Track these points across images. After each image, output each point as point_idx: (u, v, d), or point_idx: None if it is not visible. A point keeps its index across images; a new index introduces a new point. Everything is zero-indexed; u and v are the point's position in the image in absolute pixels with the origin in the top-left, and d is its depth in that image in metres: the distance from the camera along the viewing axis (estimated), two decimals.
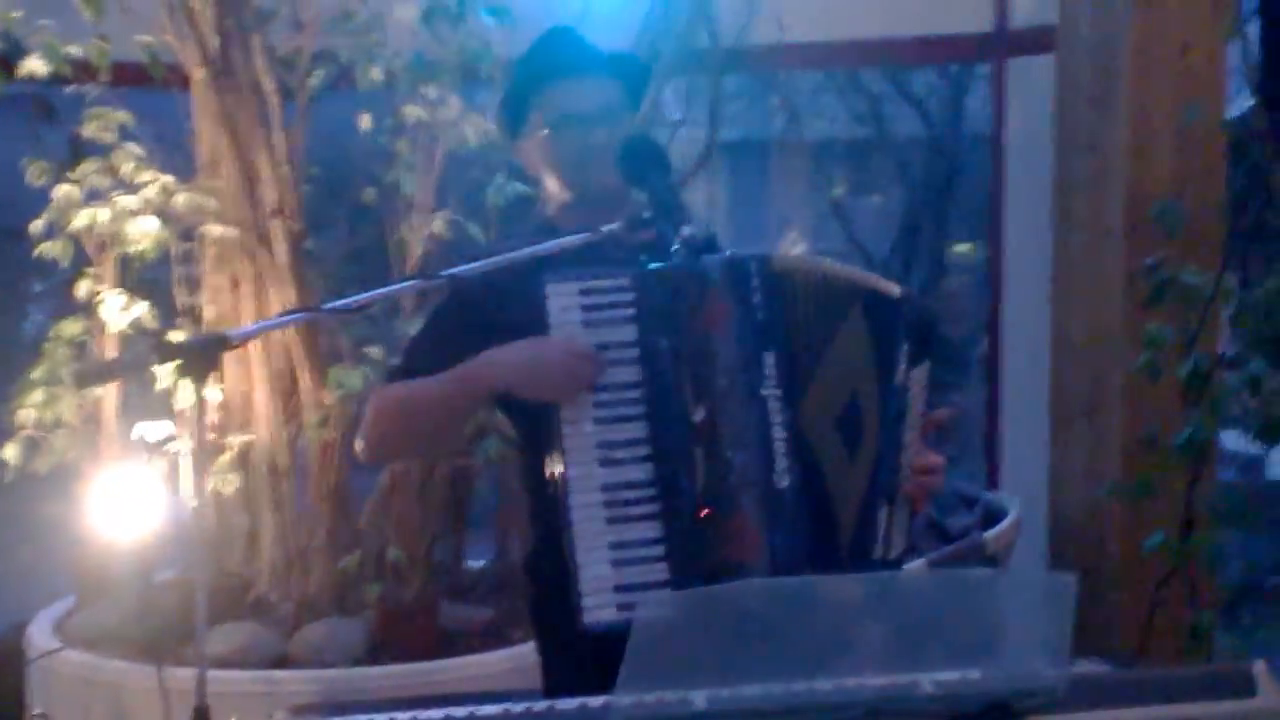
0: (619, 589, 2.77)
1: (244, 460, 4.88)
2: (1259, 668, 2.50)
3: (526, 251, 2.85)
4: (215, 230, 4.72)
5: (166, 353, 2.54)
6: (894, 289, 2.94)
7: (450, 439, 3.43)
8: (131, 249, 4.68)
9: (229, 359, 4.88)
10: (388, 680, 4.48)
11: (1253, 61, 4.87)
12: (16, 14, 4.55)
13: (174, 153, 5.04)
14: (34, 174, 4.87)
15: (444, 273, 2.84)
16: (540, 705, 2.40)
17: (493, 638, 4.85)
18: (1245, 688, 2.46)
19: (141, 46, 4.76)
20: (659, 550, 2.78)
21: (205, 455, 4.83)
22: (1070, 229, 5.27)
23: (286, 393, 4.85)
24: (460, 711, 2.34)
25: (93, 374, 3.08)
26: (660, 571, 2.77)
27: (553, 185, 3.13)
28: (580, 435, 2.80)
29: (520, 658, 4.69)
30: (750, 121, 12.71)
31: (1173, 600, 4.63)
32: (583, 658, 2.76)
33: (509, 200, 4.84)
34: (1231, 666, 2.58)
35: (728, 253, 2.91)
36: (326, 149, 5.26)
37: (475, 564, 5.41)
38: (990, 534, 5.08)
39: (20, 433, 4.90)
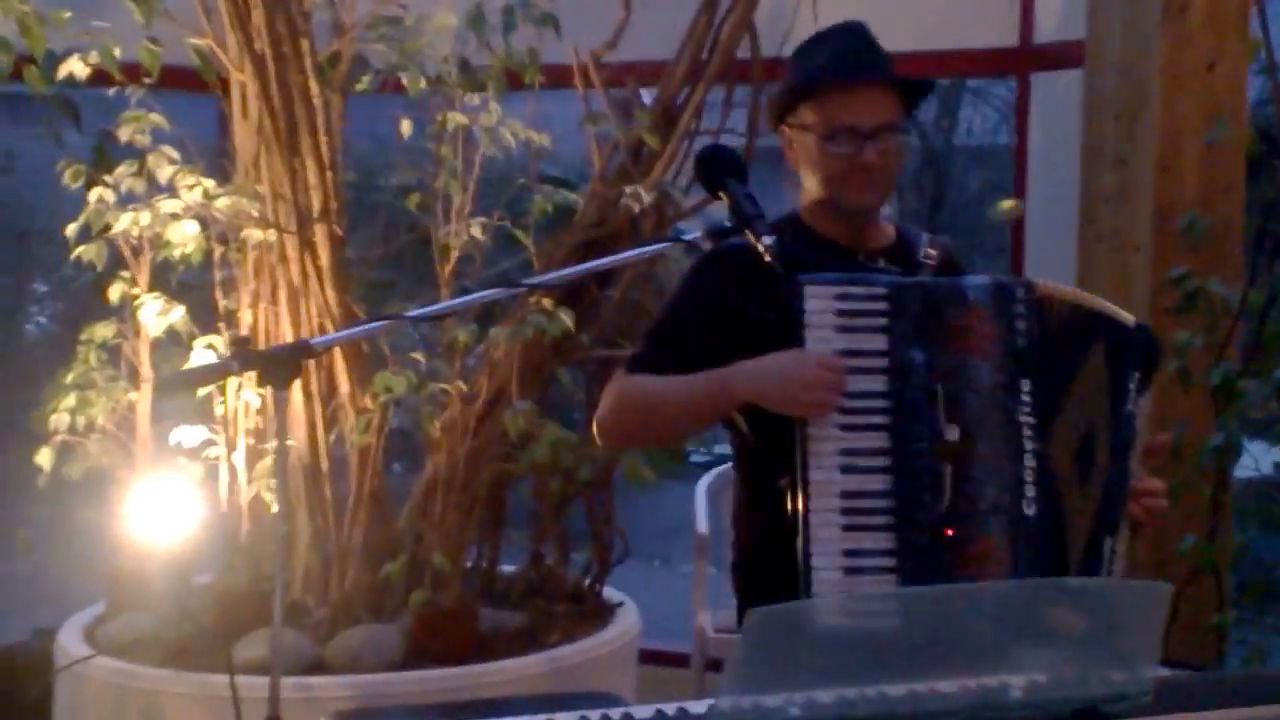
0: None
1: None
2: None
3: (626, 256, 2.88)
4: (256, 235, 4.74)
5: (250, 361, 2.57)
6: (1129, 318, 2.98)
7: (688, 436, 3.44)
8: (176, 253, 4.69)
9: None
10: (425, 685, 4.50)
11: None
12: (66, 13, 4.55)
13: (198, 156, 5.08)
14: (70, 177, 4.87)
15: (530, 281, 2.88)
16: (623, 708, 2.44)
17: (528, 642, 4.88)
18: None
19: (192, 49, 4.77)
20: (890, 562, 2.82)
21: (251, 460, 4.87)
22: (1096, 240, 5.32)
23: (325, 398, 4.88)
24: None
25: (176, 382, 3.09)
26: (889, 584, 2.81)
27: (810, 184, 3.14)
28: (824, 440, 2.83)
29: (556, 661, 4.75)
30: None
31: (1200, 600, 4.70)
32: None
33: (557, 207, 4.88)
34: None
35: (989, 275, 2.94)
36: (352, 153, 5.30)
37: (507, 568, 5.43)
38: None
39: (54, 438, 4.91)
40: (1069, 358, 2.90)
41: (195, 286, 5.16)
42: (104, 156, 5.07)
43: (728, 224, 2.90)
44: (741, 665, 2.15)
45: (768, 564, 3.01)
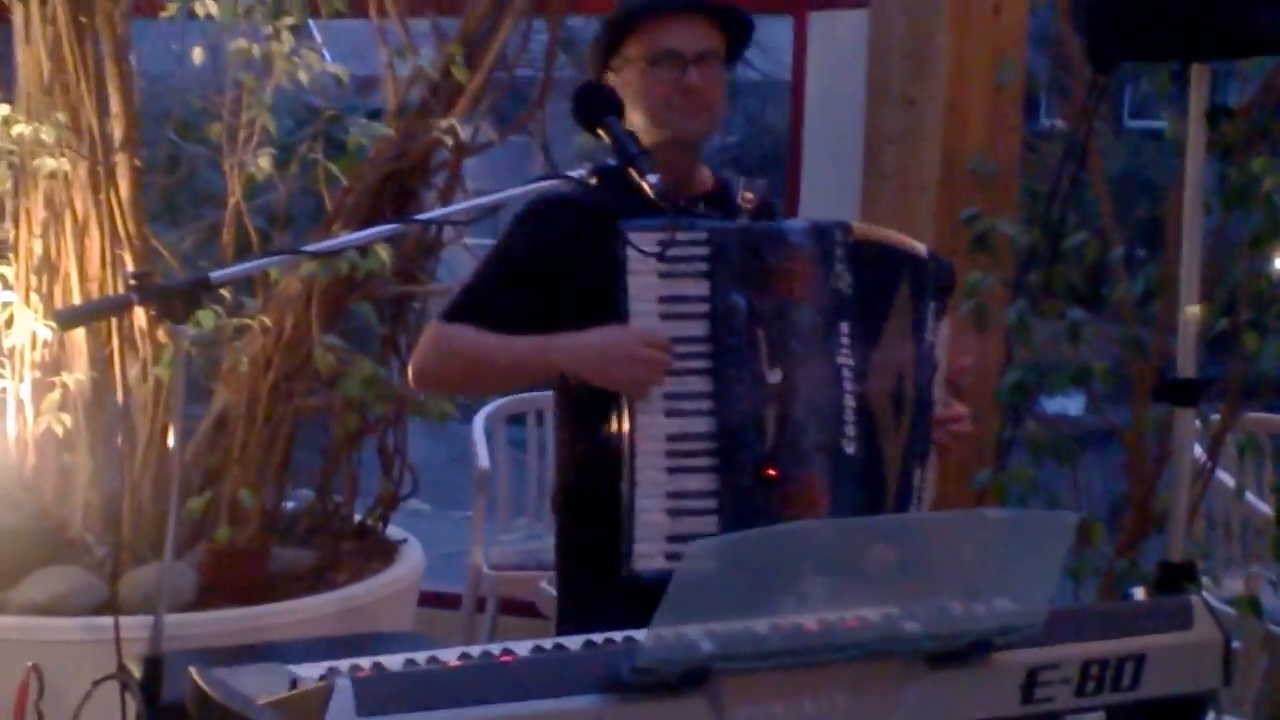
0: (671, 539, 2.85)
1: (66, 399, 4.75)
2: (1196, 601, 2.68)
3: (508, 194, 2.83)
4: (50, 163, 4.56)
5: (148, 295, 2.50)
6: (922, 249, 3.07)
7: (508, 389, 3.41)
8: None
9: (57, 295, 4.74)
10: (218, 625, 4.39)
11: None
12: None
13: None
14: None
15: (420, 217, 2.83)
16: (568, 640, 2.44)
17: (316, 580, 4.82)
18: (1185, 620, 2.63)
19: None
20: (712, 503, 2.87)
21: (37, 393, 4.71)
22: (880, 179, 5.42)
23: (107, 330, 4.73)
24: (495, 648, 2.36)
25: (73, 315, 2.97)
26: (711, 524, 2.85)
27: (639, 121, 3.11)
28: None
29: (347, 600, 4.71)
30: None
31: None
32: (615, 603, 2.84)
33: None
34: (1174, 600, 2.76)
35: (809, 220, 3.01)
36: None
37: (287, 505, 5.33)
38: None
39: None
40: (881, 297, 2.97)
41: None
42: None
43: (611, 162, 2.90)
44: (670, 601, 2.17)
45: (592, 504, 3.03)
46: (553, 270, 3.04)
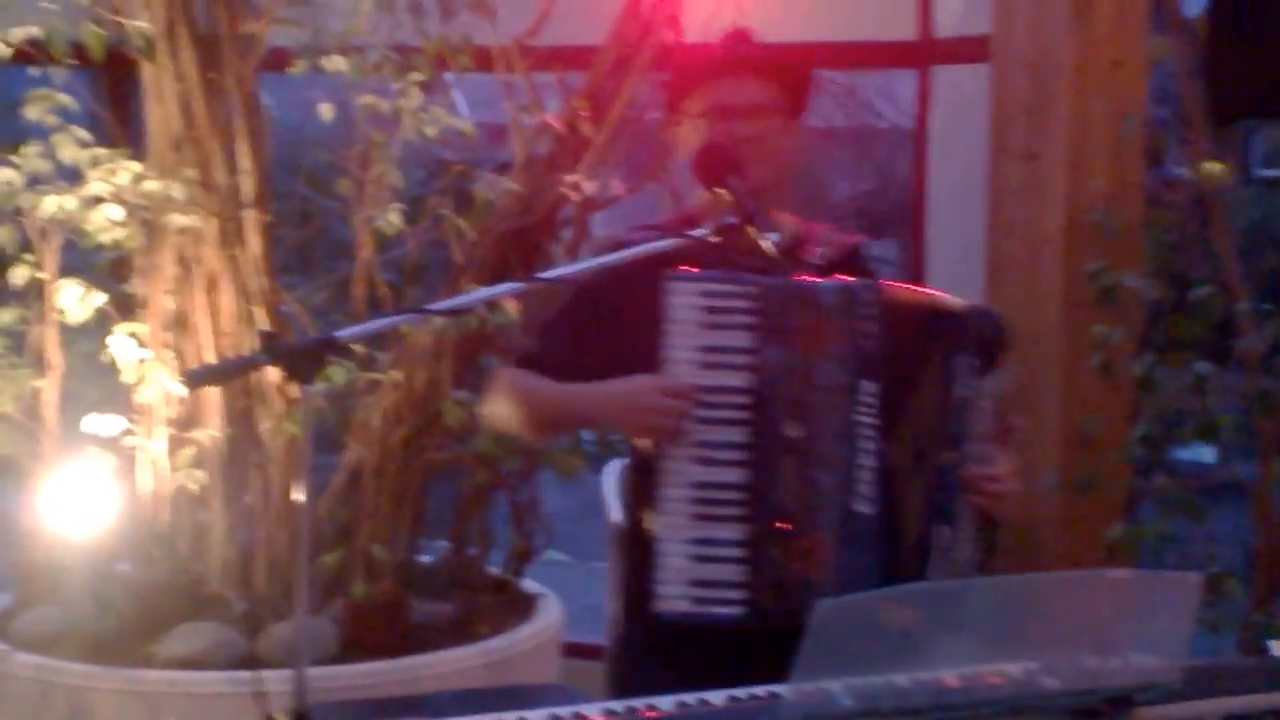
0: (695, 583, 2.89)
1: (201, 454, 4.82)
2: None
3: (627, 254, 2.88)
4: (179, 220, 4.65)
5: (277, 354, 2.53)
6: (957, 304, 3.05)
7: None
8: (106, 238, 4.58)
9: (189, 352, 4.82)
10: (363, 678, 4.47)
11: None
12: None
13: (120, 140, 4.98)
14: None
15: (544, 275, 2.86)
16: (711, 695, 2.46)
17: (457, 633, 4.86)
18: None
19: (133, 29, 4.67)
20: (739, 553, 2.90)
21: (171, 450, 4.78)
22: (1005, 233, 5.41)
23: (240, 386, 4.80)
24: (639, 704, 2.38)
25: (202, 376, 3.03)
26: (738, 573, 2.89)
27: (701, 181, 3.12)
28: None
29: (490, 653, 4.74)
30: None
31: None
32: (654, 640, 3.03)
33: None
34: None
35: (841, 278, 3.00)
36: None
37: (424, 559, 5.39)
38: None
39: None
40: (910, 359, 2.98)
41: (92, 269, 5.04)
42: None
43: (732, 219, 2.93)
44: (807, 656, 2.19)
45: (633, 544, 3.12)
46: (618, 315, 3.08)
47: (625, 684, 3.25)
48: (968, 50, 5.74)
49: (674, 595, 2.89)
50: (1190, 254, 4.77)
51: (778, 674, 2.49)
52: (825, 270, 3.14)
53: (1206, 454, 6.02)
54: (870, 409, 2.94)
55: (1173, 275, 4.74)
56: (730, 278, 2.94)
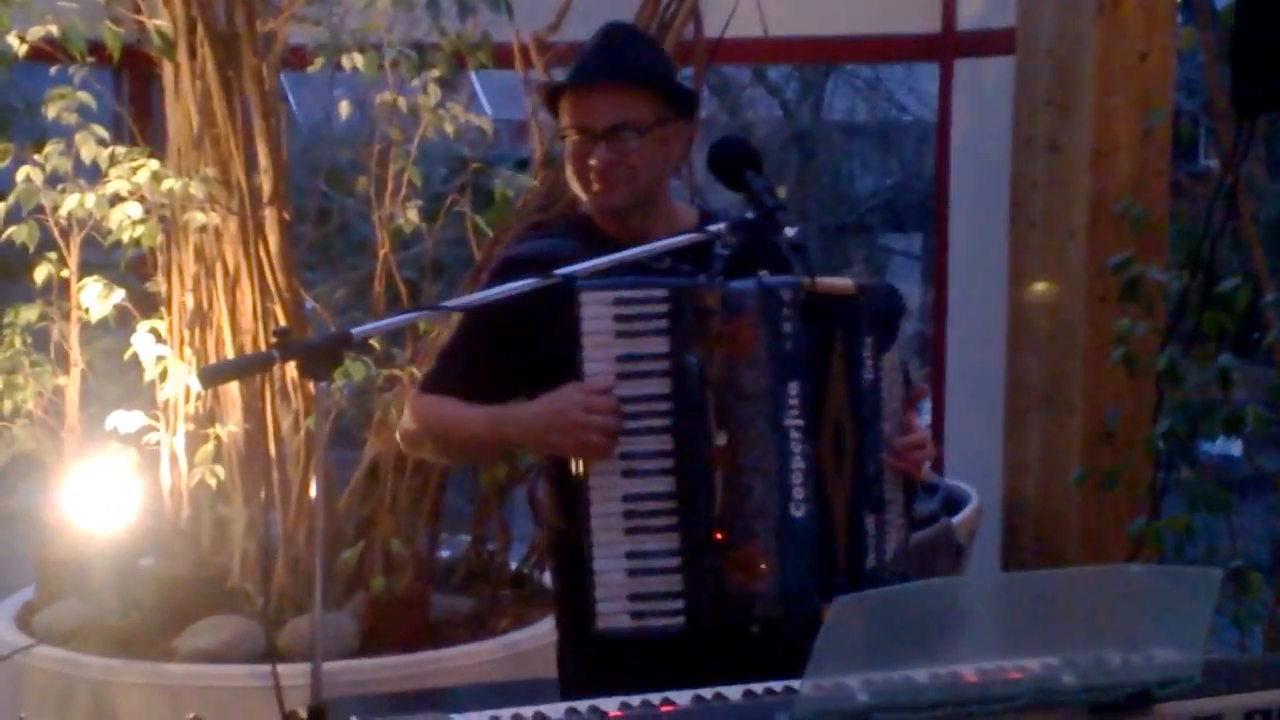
0: (633, 597, 2.81)
1: (219, 451, 4.83)
2: None
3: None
4: (200, 218, 4.65)
5: (291, 352, 2.52)
6: (848, 284, 2.92)
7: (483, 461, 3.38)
8: (125, 236, 4.59)
9: (210, 348, 4.83)
10: (384, 672, 4.48)
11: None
12: None
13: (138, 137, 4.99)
14: None
15: (560, 271, 2.83)
16: (728, 690, 2.44)
17: (477, 627, 4.86)
18: None
19: (153, 28, 4.68)
20: (675, 562, 2.81)
21: (191, 445, 4.79)
22: (1028, 226, 5.40)
23: (261, 383, 4.80)
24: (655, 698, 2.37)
25: (217, 373, 3.03)
26: (675, 583, 2.81)
27: (574, 188, 3.09)
28: None
29: (510, 646, 4.74)
30: None
31: None
32: (597, 654, 2.90)
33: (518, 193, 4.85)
34: None
35: (763, 276, 2.86)
36: None
37: (443, 554, 5.39)
38: (956, 520, 5.18)
39: None
40: (823, 349, 2.88)
41: (113, 267, 5.05)
42: (5, 131, 4.97)
43: (749, 216, 2.90)
44: (823, 651, 2.18)
45: (567, 559, 3.02)
46: (525, 328, 2.97)
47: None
48: (991, 43, 5.74)
49: (614, 612, 2.81)
50: (1217, 246, 4.73)
51: (727, 681, 2.49)
52: (736, 260, 2.94)
53: (1235, 447, 5.98)
54: (796, 410, 2.85)
55: (1199, 267, 4.69)
56: (642, 281, 2.84)
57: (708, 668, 2.59)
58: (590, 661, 3.02)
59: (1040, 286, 5.35)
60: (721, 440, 2.81)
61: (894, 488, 2.95)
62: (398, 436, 3.18)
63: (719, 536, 2.81)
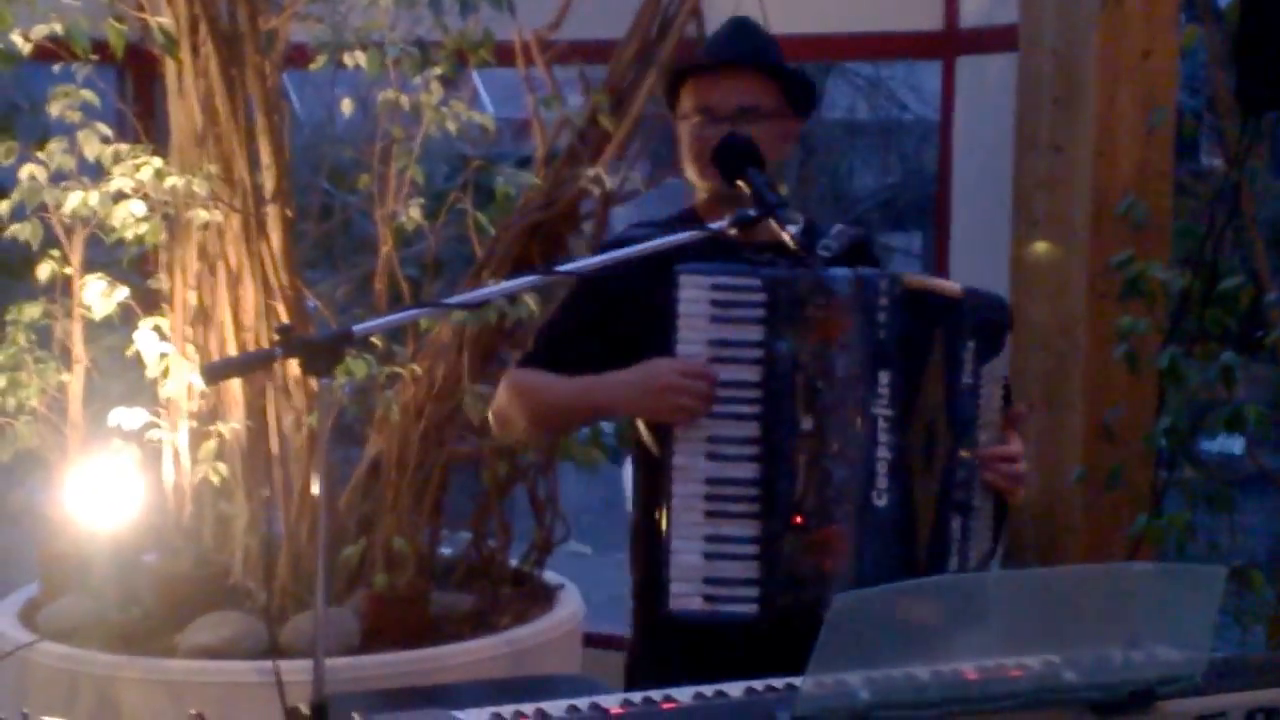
0: (708, 580, 2.86)
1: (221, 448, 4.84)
2: None
3: (645, 246, 2.87)
4: (202, 215, 4.66)
5: (293, 348, 2.53)
6: (955, 288, 2.98)
7: (573, 431, 3.42)
8: (129, 234, 4.60)
9: (213, 346, 4.84)
10: (385, 668, 4.50)
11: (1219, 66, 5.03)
12: None
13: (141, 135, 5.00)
14: (2, 154, 4.76)
15: (563, 268, 2.85)
16: (730, 686, 2.45)
17: (478, 624, 4.88)
18: None
19: (156, 25, 4.68)
20: (753, 549, 2.86)
21: (194, 442, 4.80)
22: (1030, 224, 5.39)
23: (263, 380, 4.81)
24: (657, 695, 2.38)
25: (219, 370, 3.03)
26: (751, 570, 2.86)
27: (690, 174, 3.16)
28: (692, 426, 2.88)
29: (511, 643, 4.77)
30: None
31: None
32: (667, 640, 2.99)
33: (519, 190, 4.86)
34: None
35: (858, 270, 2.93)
36: None
37: (444, 551, 5.41)
38: None
39: None
40: (920, 345, 2.92)
41: (116, 264, 5.06)
42: (9, 129, 4.97)
43: (752, 213, 2.92)
44: (824, 648, 2.18)
45: (649, 534, 3.03)
46: (624, 307, 3.04)
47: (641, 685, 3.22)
48: (994, 40, 5.72)
49: (686, 593, 2.85)
50: (1219, 245, 4.73)
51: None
52: (833, 263, 3.06)
53: (1236, 445, 5.98)
54: (885, 400, 2.90)
55: (1201, 266, 4.70)
56: (740, 270, 2.90)
57: (778, 660, 2.60)
58: (660, 653, 3.10)
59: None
60: (808, 425, 2.87)
61: (983, 496, 2.97)
62: (490, 417, 3.24)
63: (798, 520, 2.86)
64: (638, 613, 3.23)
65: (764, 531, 2.86)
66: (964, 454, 2.94)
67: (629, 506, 5.40)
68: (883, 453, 2.89)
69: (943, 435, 2.93)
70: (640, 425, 3.09)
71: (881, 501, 2.89)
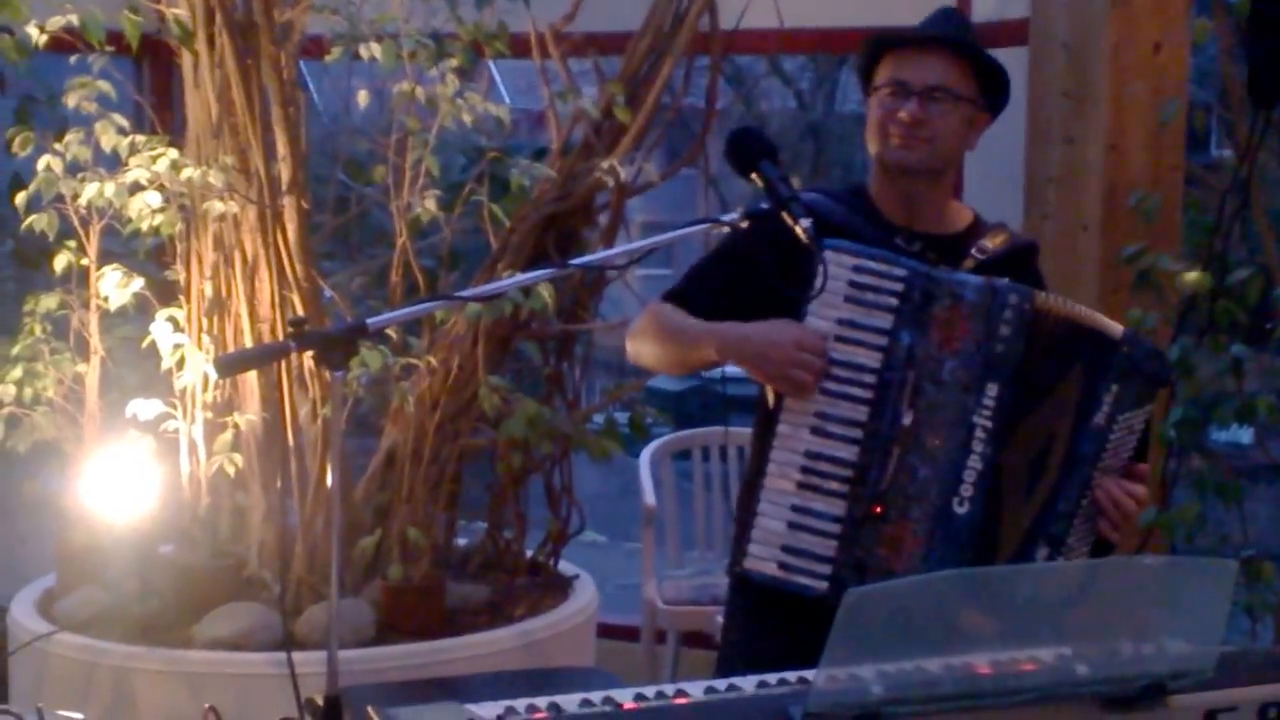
0: (786, 549, 2.93)
1: (237, 439, 4.86)
2: None
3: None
4: (218, 206, 4.68)
5: (307, 341, 2.55)
6: (1116, 330, 2.99)
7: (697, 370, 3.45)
8: (144, 225, 4.62)
9: (228, 337, 4.86)
10: (400, 660, 4.50)
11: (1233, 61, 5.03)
12: None
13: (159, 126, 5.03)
14: (19, 145, 4.78)
15: (576, 261, 2.88)
16: (741, 680, 2.48)
17: (493, 615, 4.90)
18: None
19: (171, 17, 4.71)
20: (835, 528, 2.93)
21: (210, 434, 4.82)
22: (1042, 218, 5.41)
23: (278, 372, 4.83)
24: (669, 689, 2.40)
25: (232, 362, 3.05)
26: (829, 548, 2.93)
27: (871, 148, 3.18)
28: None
29: (526, 634, 4.77)
30: None
31: None
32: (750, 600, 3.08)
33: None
34: None
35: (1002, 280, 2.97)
36: None
37: (460, 542, 5.43)
38: None
39: (1, 409, 4.83)
40: (1049, 371, 2.94)
41: (132, 255, 5.08)
42: (26, 120, 4.99)
43: (765, 205, 2.95)
44: (836, 643, 2.20)
45: (751, 498, 3.06)
46: (756, 277, 3.07)
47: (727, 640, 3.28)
48: (1005, 34, 5.73)
49: (763, 556, 2.92)
50: (1229, 237, 4.75)
51: None
52: (983, 267, 3.09)
53: (1245, 436, 5.99)
54: (990, 412, 2.92)
55: (1211, 258, 4.71)
56: (885, 256, 2.94)
57: None
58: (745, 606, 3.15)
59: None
60: (908, 420, 2.91)
61: (1081, 539, 2.99)
62: (626, 339, 3.28)
63: (878, 510, 2.92)
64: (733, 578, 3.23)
65: (849, 514, 2.91)
66: (1073, 490, 2.95)
67: (645, 497, 5.47)
68: (974, 462, 2.92)
69: (1054, 466, 2.95)
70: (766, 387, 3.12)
71: (963, 509, 2.92)
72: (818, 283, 2.86)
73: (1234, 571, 2.45)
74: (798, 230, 2.85)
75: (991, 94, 3.19)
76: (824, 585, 2.90)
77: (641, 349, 3.24)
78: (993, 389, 2.92)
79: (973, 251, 3.11)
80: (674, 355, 3.23)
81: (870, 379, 2.92)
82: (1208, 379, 4.79)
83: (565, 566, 5.36)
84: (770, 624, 3.02)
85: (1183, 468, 4.77)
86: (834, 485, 2.92)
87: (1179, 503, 4.75)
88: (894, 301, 2.91)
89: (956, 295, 2.92)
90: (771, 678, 2.48)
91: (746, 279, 3.10)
